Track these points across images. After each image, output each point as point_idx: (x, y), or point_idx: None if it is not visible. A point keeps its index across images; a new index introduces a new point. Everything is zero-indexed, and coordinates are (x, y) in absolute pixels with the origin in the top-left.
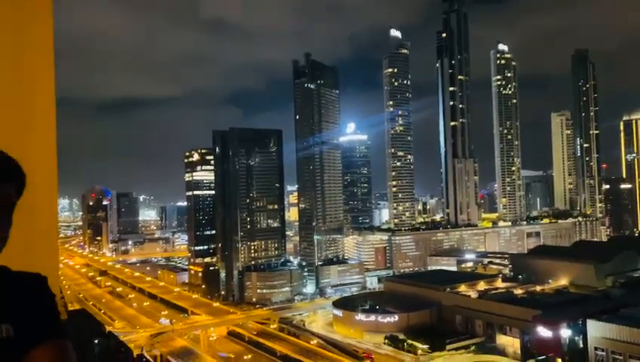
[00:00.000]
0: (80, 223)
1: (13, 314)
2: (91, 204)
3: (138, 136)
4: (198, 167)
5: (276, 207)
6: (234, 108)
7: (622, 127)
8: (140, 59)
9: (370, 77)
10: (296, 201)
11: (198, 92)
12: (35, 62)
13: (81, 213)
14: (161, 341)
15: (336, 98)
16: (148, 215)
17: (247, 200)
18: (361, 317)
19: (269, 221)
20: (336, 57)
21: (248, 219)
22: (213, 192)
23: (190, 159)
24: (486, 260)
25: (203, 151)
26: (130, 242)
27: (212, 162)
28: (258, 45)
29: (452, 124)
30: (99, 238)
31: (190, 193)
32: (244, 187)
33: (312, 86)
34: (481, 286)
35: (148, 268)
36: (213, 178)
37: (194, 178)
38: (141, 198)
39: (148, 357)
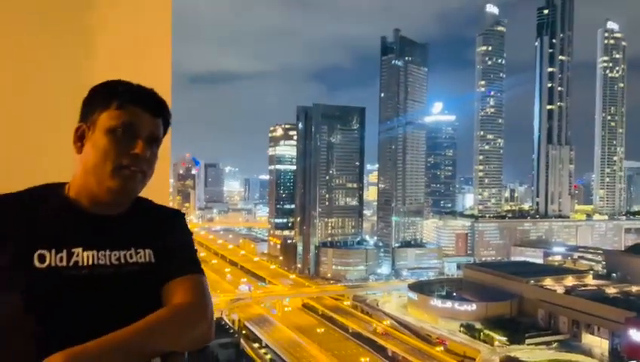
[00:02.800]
0: (170, 190)
1: (156, 242)
2: (181, 172)
3: (226, 109)
4: (281, 142)
5: (355, 185)
6: (318, 84)
7: None
8: (230, 34)
9: (461, 55)
10: (375, 181)
11: (283, 67)
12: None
13: (171, 180)
14: (239, 306)
15: (424, 76)
16: (232, 186)
17: (327, 177)
18: (436, 302)
19: (347, 199)
20: (426, 34)
21: (327, 195)
22: (294, 167)
23: (274, 134)
24: (576, 255)
25: (286, 126)
26: (215, 210)
27: (295, 137)
28: (345, 20)
29: (549, 107)
30: (187, 205)
31: (272, 167)
32: (324, 164)
33: (400, 63)
34: (569, 281)
35: (230, 236)
36: (295, 153)
37: (277, 152)
38: (227, 170)
39: (227, 321)
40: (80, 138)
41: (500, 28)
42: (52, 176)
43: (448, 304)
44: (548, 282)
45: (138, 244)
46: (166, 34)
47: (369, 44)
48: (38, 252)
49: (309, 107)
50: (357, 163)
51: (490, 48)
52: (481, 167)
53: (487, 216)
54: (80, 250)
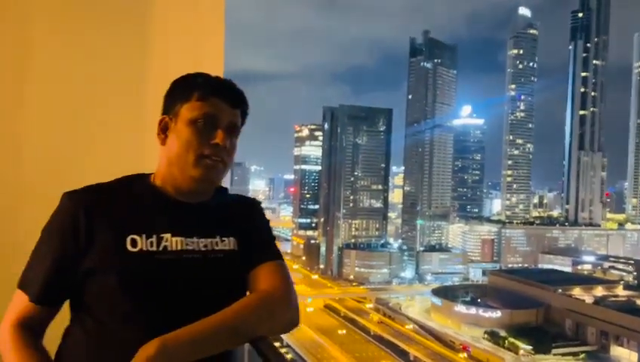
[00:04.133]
0: None
1: (239, 230)
2: None
3: (253, 108)
4: (307, 142)
5: (380, 187)
6: (345, 85)
7: None
8: (262, 35)
9: (492, 58)
10: (401, 183)
11: (309, 68)
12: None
13: None
14: None
15: (453, 79)
16: (257, 185)
17: (352, 179)
18: (461, 308)
19: (371, 201)
20: (455, 36)
21: (351, 197)
22: (319, 168)
23: (299, 134)
24: (607, 264)
25: (312, 126)
26: None
27: (320, 138)
28: (373, 21)
29: (581, 113)
30: None
31: (297, 167)
32: (349, 165)
33: (429, 65)
34: (599, 291)
35: None
36: (320, 153)
37: (302, 152)
38: (252, 169)
39: None
40: (163, 130)
41: (532, 31)
42: (114, 171)
43: (472, 310)
44: (576, 291)
45: (223, 232)
46: (219, 32)
47: (397, 46)
48: (130, 236)
49: (335, 108)
50: (382, 165)
51: (521, 52)
52: (509, 172)
53: (515, 222)
54: (169, 235)
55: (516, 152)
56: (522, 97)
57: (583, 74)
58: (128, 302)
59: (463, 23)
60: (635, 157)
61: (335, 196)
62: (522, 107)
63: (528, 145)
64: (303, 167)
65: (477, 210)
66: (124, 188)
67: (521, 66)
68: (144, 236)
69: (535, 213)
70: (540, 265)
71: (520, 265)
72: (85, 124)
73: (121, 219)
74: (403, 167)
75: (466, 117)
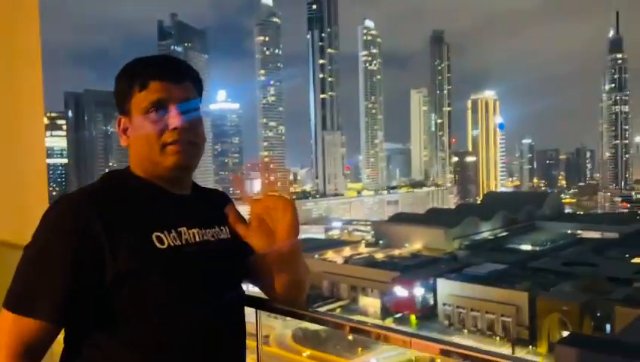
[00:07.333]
0: None
1: (225, 220)
2: None
3: None
4: (48, 133)
5: None
6: (89, 69)
7: (469, 106)
8: None
9: (241, 44)
10: None
11: (45, 48)
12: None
13: None
14: None
15: (205, 64)
16: None
17: (107, 169)
18: None
19: None
20: (204, 22)
21: None
22: (65, 160)
23: None
24: (351, 227)
25: (53, 115)
26: None
27: (64, 127)
28: (116, 2)
29: (322, 96)
30: None
31: None
32: (102, 155)
33: (179, 49)
34: (347, 252)
35: None
36: (65, 145)
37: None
38: None
39: None
40: (124, 130)
41: (275, 19)
42: None
43: None
44: (329, 255)
45: (220, 223)
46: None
47: (143, 29)
48: (155, 234)
49: (81, 93)
50: None
51: (267, 39)
52: (266, 153)
53: None
54: (184, 229)
55: (270, 134)
56: (271, 82)
57: (321, 61)
58: (174, 297)
59: (210, 8)
60: (365, 134)
61: None
62: (272, 92)
63: (280, 127)
64: (47, 160)
65: (239, 191)
66: (120, 187)
67: (268, 53)
68: (166, 232)
69: (291, 189)
70: (299, 236)
71: None
72: None
73: (138, 218)
74: None
75: (221, 102)
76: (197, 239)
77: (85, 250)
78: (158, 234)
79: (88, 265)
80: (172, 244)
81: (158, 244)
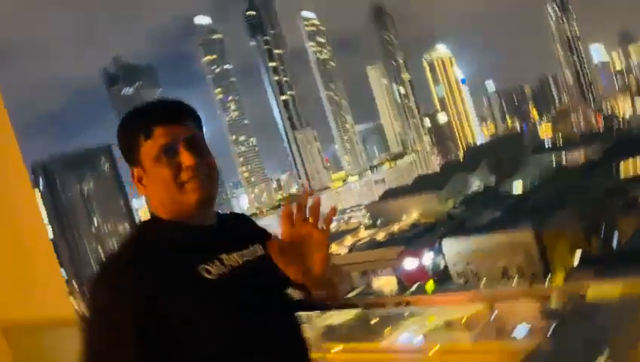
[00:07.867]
0: None
1: (255, 237)
2: None
3: None
4: None
5: (128, 224)
6: (45, 136)
7: (426, 66)
8: None
9: (190, 69)
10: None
11: None
12: None
13: None
14: None
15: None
16: None
17: (93, 230)
18: None
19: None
20: (146, 59)
21: (99, 247)
22: (50, 232)
23: None
24: (346, 216)
25: None
26: None
27: (40, 200)
28: (56, 61)
29: (282, 98)
30: None
31: None
32: (85, 216)
33: (131, 90)
34: (348, 240)
35: None
36: (45, 217)
37: None
38: None
39: None
40: (139, 180)
41: (216, 36)
42: None
43: None
44: (333, 248)
45: (252, 242)
46: None
47: (88, 82)
48: (201, 266)
49: (47, 161)
50: (121, 201)
51: (214, 57)
52: (244, 168)
53: (264, 210)
54: (225, 255)
55: (243, 148)
56: (230, 98)
57: (271, 64)
58: (237, 320)
59: (148, 45)
60: (334, 123)
61: (79, 253)
62: (233, 107)
63: (251, 139)
64: None
65: (228, 212)
66: (154, 236)
67: (218, 70)
68: (209, 263)
69: (279, 196)
70: None
71: None
72: None
73: (180, 259)
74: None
75: None
76: (239, 262)
77: (146, 317)
78: (204, 266)
79: (151, 326)
80: (219, 272)
81: (207, 276)
